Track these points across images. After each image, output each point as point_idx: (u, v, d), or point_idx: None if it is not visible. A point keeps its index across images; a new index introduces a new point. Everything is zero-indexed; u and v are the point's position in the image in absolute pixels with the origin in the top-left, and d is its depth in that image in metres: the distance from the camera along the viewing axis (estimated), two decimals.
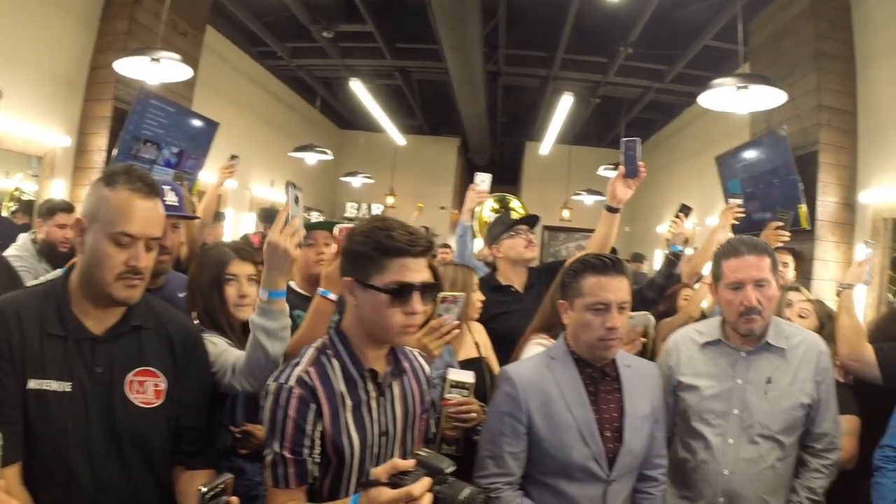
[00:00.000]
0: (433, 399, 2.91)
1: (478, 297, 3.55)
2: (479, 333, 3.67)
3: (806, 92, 6.36)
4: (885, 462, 2.91)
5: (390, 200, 14.56)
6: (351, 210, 15.58)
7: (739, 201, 4.81)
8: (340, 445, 1.95)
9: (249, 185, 10.63)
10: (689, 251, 5.43)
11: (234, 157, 5.61)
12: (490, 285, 3.98)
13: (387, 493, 1.64)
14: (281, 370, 2.01)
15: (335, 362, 2.02)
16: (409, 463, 1.69)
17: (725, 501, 2.67)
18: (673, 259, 4.31)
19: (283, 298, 2.29)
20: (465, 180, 16.05)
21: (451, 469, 1.73)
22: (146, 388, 2.04)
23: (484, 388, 3.16)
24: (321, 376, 1.97)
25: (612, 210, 3.55)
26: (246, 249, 2.90)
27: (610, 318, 2.44)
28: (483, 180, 4.75)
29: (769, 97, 5.11)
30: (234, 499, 1.66)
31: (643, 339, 3.06)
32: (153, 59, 5.30)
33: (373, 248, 1.95)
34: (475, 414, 2.87)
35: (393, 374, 2.14)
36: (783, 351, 2.76)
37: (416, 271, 1.97)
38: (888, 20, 5.94)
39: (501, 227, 4.20)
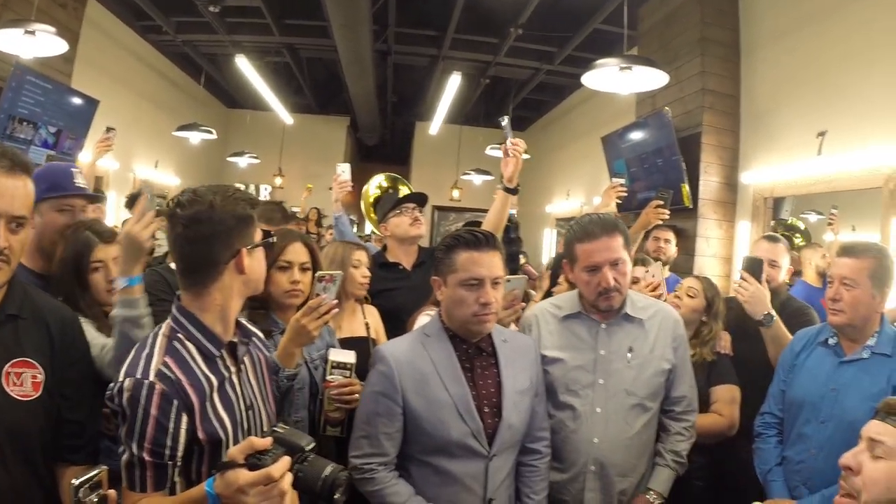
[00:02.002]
0: (315, 380, 2.88)
1: (360, 273, 3.52)
2: (372, 315, 3.65)
3: (691, 76, 6.54)
4: (765, 428, 3.05)
5: (278, 181, 14.32)
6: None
7: (622, 180, 4.90)
8: (215, 432, 1.84)
9: (132, 167, 10.26)
10: None
11: (109, 129, 5.33)
12: (378, 262, 3.96)
13: (245, 475, 1.55)
14: (131, 363, 1.82)
15: (189, 345, 1.89)
16: (267, 441, 1.62)
17: (596, 469, 2.73)
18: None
19: (140, 285, 2.29)
20: (356, 160, 15.92)
21: (311, 446, 1.69)
22: (23, 381, 1.92)
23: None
24: (181, 364, 1.84)
25: (507, 190, 3.62)
26: (111, 231, 2.82)
27: (484, 293, 2.46)
28: (343, 170, 4.74)
29: (652, 79, 5.22)
30: (112, 492, 1.58)
31: (522, 304, 3.09)
32: (27, 32, 5.04)
33: (252, 211, 1.96)
34: (358, 395, 2.81)
35: (242, 343, 2.07)
36: (641, 321, 2.84)
37: None
38: (772, 8, 6.15)
39: (389, 204, 4.21)
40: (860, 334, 2.82)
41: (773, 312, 3.31)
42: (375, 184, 5.56)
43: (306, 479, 1.64)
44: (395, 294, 3.85)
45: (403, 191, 5.20)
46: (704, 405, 3.35)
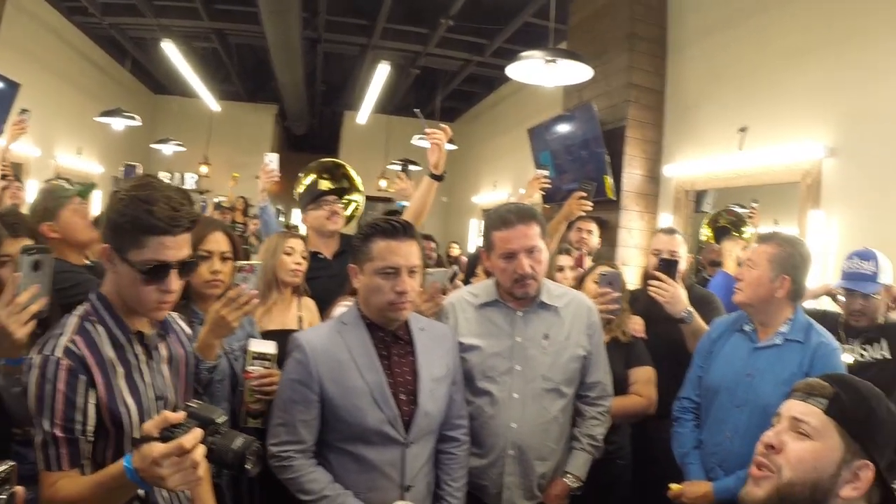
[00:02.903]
0: (236, 372, 2.84)
1: (292, 259, 3.51)
2: (308, 309, 3.63)
3: (618, 70, 6.66)
4: (683, 413, 3.14)
5: (204, 170, 14.12)
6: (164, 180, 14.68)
7: (546, 172, 4.95)
8: (117, 413, 1.86)
9: (54, 153, 9.98)
10: None
11: (24, 111, 5.19)
12: None
13: (158, 447, 1.57)
14: (43, 341, 1.85)
15: (100, 328, 1.91)
16: (180, 415, 1.63)
17: (515, 453, 2.78)
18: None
19: (19, 365, 2.10)
20: (283, 149, 15.75)
21: (222, 419, 1.70)
22: None
23: None
24: (88, 344, 1.86)
25: (432, 177, 3.65)
26: (21, 223, 2.73)
27: (400, 282, 2.47)
28: (271, 160, 4.72)
29: (577, 72, 5.26)
30: (20, 488, 1.56)
31: (443, 297, 3.11)
32: None
33: (131, 222, 1.83)
34: (277, 386, 2.78)
35: (159, 336, 2.07)
36: (556, 309, 2.89)
37: (175, 249, 1.89)
38: (699, 7, 6.32)
39: (308, 197, 4.25)
40: (769, 319, 2.92)
41: (692, 309, 3.41)
42: (308, 181, 5.50)
43: (218, 451, 1.66)
44: (316, 283, 3.81)
45: (349, 174, 5.16)
46: (623, 387, 3.44)
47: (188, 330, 2.29)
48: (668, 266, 3.47)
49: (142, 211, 1.81)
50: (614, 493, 3.49)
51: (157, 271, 1.86)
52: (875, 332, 3.52)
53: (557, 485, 2.86)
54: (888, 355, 3.43)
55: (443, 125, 3.75)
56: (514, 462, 2.78)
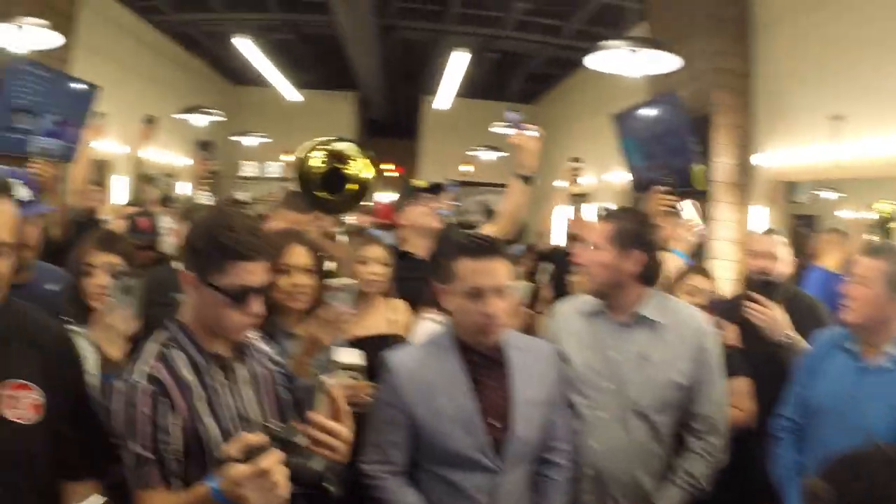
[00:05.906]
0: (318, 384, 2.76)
1: (367, 269, 3.46)
2: (396, 311, 3.57)
3: (702, 54, 6.41)
4: (782, 432, 2.93)
5: (289, 158, 14.24)
6: (247, 170, 15.22)
7: (578, 165, 4.78)
8: (198, 433, 1.91)
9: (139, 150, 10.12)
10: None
11: (99, 114, 5.25)
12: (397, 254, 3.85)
13: (239, 469, 1.62)
14: (129, 369, 1.96)
15: (181, 353, 1.97)
16: (258, 437, 1.67)
17: (594, 474, 2.63)
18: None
19: None
20: (364, 136, 15.82)
21: (302, 440, 1.74)
22: (20, 404, 1.81)
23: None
24: (168, 369, 1.93)
25: (520, 178, 3.54)
26: (113, 240, 2.81)
27: (486, 304, 2.33)
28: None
29: (662, 61, 5.05)
30: None
31: (529, 311, 2.98)
32: (17, 26, 4.95)
33: (214, 247, 1.91)
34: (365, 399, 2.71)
35: (236, 358, 2.08)
36: (659, 325, 2.68)
37: (256, 274, 1.94)
38: None
39: (407, 194, 4.21)
40: (878, 339, 2.66)
41: (792, 334, 3.20)
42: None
43: (299, 472, 1.70)
44: (406, 284, 3.67)
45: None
46: None
47: (266, 349, 2.27)
48: (766, 287, 3.32)
49: (225, 236, 1.89)
50: None
51: (239, 296, 1.92)
52: None
53: None
54: None
55: (534, 126, 3.60)
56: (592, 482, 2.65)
